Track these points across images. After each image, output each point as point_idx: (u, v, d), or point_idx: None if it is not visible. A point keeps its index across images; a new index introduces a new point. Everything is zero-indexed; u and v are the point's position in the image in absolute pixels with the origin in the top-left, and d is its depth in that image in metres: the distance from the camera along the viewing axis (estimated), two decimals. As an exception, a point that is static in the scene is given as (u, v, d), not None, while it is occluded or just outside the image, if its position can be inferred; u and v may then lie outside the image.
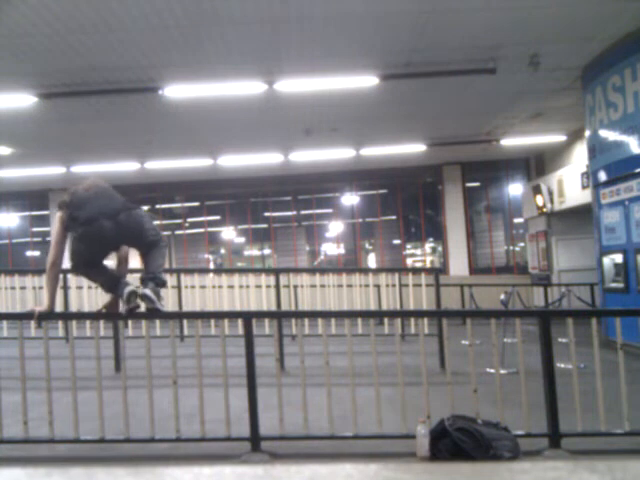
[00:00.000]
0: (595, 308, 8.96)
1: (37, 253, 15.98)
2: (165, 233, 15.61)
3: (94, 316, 4.09)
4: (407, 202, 15.34)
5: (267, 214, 15.53)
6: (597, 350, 3.74)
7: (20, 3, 5.46)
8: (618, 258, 7.40)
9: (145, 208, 15.98)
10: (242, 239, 16.28)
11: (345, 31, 6.49)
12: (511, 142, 11.97)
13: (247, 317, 3.83)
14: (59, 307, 8.16)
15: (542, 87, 8.65)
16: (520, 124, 10.79)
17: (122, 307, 3.82)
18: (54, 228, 3.80)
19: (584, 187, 9.97)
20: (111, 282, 3.83)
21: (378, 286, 8.68)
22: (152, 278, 3.79)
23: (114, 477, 1.24)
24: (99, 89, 7.76)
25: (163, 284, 3.85)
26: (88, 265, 3.84)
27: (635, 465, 1.26)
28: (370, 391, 3.82)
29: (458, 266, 14.29)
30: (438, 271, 7.12)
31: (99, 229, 3.66)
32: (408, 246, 15.98)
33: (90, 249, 3.77)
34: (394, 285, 8.35)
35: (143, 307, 3.82)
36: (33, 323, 4.13)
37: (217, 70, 7.40)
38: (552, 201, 11.63)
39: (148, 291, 3.73)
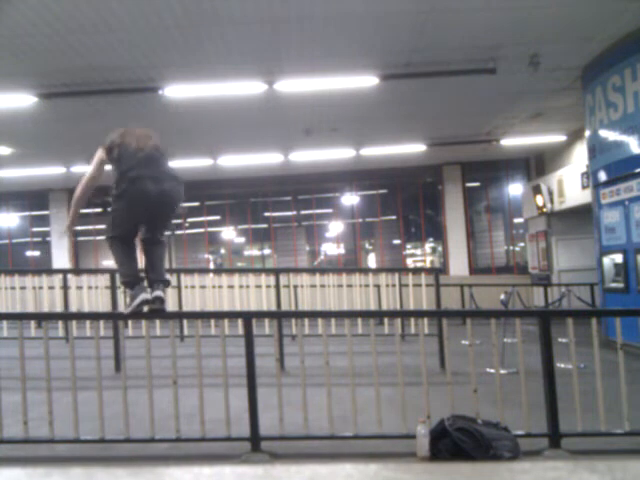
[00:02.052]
0: (595, 308, 8.95)
1: (37, 253, 15.99)
2: (166, 233, 15.59)
3: (94, 316, 4.09)
4: (407, 202, 15.33)
5: (267, 214, 15.52)
6: (597, 350, 3.74)
7: (20, 3, 5.46)
8: (618, 258, 7.40)
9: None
10: (242, 239, 16.27)
11: (345, 31, 6.49)
12: (511, 142, 11.97)
13: (247, 317, 3.83)
14: (59, 307, 8.18)
15: (542, 87, 8.65)
16: (520, 124, 10.79)
17: (126, 307, 3.82)
18: (91, 165, 3.99)
19: (584, 187, 9.97)
20: (132, 274, 3.85)
21: (378, 286, 8.68)
22: (162, 281, 3.90)
23: (114, 477, 1.24)
24: (99, 89, 7.76)
25: (169, 284, 4.00)
26: (123, 239, 3.86)
27: (635, 465, 1.26)
28: (370, 391, 3.82)
29: (458, 266, 14.28)
30: (438, 271, 7.11)
31: (142, 190, 3.71)
32: (408, 246, 15.97)
33: (129, 211, 3.79)
34: (394, 285, 8.34)
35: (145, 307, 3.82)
36: (66, 231, 4.20)
37: (217, 70, 7.40)
38: (552, 201, 11.63)
39: (161, 293, 3.81)
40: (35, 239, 15.91)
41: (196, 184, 14.74)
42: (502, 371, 4.82)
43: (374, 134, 11.16)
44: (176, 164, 12.31)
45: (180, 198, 3.93)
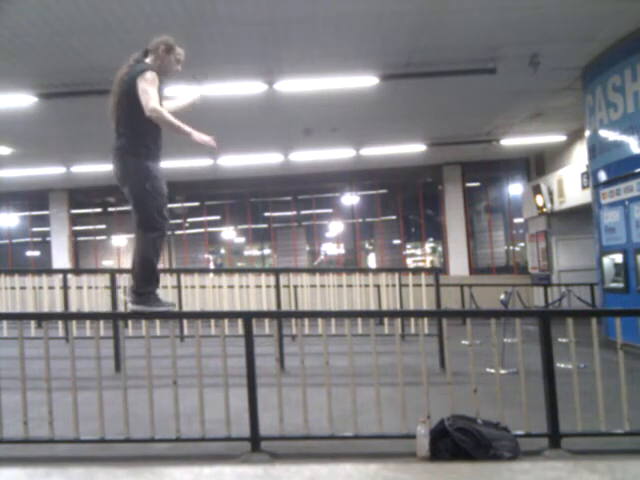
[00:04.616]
0: (595, 308, 8.95)
1: (37, 253, 15.98)
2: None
3: (94, 316, 4.09)
4: (407, 202, 15.34)
5: (267, 214, 15.52)
6: (597, 350, 3.73)
7: (20, 3, 5.46)
8: (618, 258, 7.40)
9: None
10: (242, 239, 16.27)
11: (345, 31, 6.49)
12: (511, 142, 11.97)
13: (247, 317, 3.83)
14: (59, 307, 8.18)
15: (542, 87, 8.65)
16: (520, 124, 10.79)
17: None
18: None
19: (584, 187, 9.97)
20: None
21: (378, 286, 8.67)
22: (134, 291, 3.72)
23: (114, 477, 1.24)
24: (99, 89, 7.73)
25: (142, 294, 3.72)
26: None
27: (635, 465, 1.26)
28: (370, 391, 3.82)
29: (458, 266, 14.28)
30: (438, 271, 7.11)
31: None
32: (408, 246, 15.98)
33: None
34: (394, 285, 8.34)
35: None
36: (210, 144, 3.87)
37: (217, 70, 7.40)
38: (552, 201, 11.62)
39: (136, 307, 3.70)
40: (35, 239, 15.90)
41: (196, 184, 14.78)
42: (502, 371, 4.82)
43: (374, 134, 11.15)
44: (176, 164, 12.33)
45: (124, 170, 3.62)
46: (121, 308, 8.00)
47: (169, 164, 12.32)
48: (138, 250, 3.70)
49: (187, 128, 3.62)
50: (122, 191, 3.75)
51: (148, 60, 3.82)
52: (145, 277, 3.71)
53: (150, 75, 3.58)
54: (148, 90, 3.51)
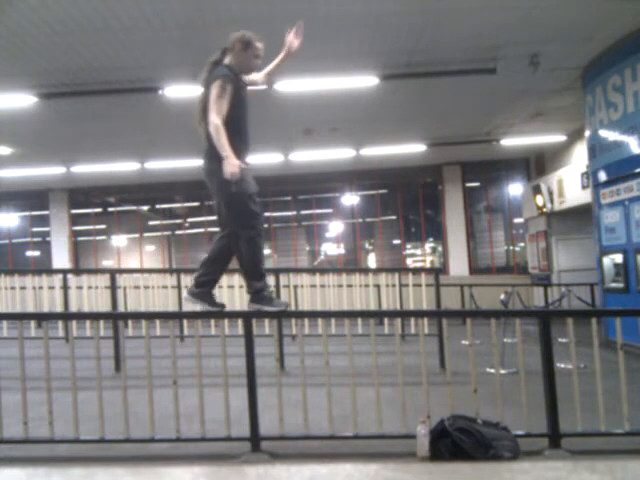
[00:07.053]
0: (595, 308, 8.95)
1: (37, 253, 15.98)
2: (165, 233, 15.60)
3: (94, 316, 4.09)
4: (407, 202, 15.33)
5: (267, 214, 15.51)
6: (597, 350, 3.73)
7: (20, 3, 5.46)
8: (618, 258, 7.40)
9: (145, 208, 15.98)
10: (242, 239, 16.24)
11: (345, 31, 6.49)
12: (511, 142, 11.97)
13: (247, 317, 3.83)
14: (59, 307, 8.18)
15: (542, 87, 8.65)
16: (520, 124, 10.79)
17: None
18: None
19: (584, 187, 9.96)
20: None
21: (378, 286, 8.67)
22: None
23: (114, 477, 1.24)
24: (99, 89, 7.76)
25: (196, 292, 3.98)
26: None
27: (635, 465, 1.27)
28: (370, 391, 3.82)
29: (458, 266, 14.28)
30: (438, 271, 7.11)
31: None
32: (408, 246, 15.97)
33: None
34: (394, 285, 8.34)
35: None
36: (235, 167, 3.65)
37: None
38: (552, 201, 11.62)
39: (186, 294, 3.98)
40: (35, 239, 15.89)
41: (196, 184, 14.70)
42: (502, 371, 4.82)
43: (374, 134, 11.15)
44: (176, 164, 12.33)
45: (210, 173, 3.84)
46: (121, 308, 8.00)
47: (169, 164, 12.34)
48: (239, 250, 3.93)
49: (227, 152, 3.60)
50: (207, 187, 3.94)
51: (227, 60, 3.82)
52: (253, 273, 4.00)
53: (221, 83, 3.60)
54: (217, 101, 3.55)
